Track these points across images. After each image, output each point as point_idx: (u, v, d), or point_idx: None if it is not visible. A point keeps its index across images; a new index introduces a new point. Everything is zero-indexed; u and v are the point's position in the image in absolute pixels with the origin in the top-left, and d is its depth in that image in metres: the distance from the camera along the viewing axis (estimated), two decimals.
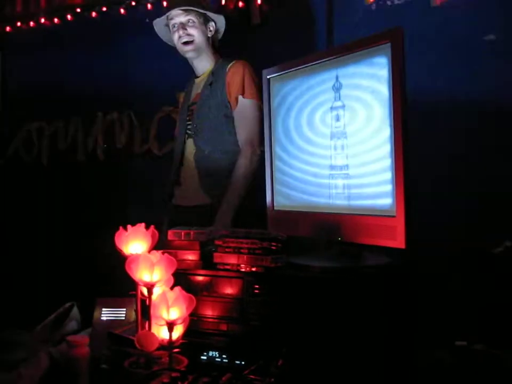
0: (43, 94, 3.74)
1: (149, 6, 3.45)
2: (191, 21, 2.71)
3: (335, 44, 2.94)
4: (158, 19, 2.85)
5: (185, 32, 2.71)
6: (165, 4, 2.78)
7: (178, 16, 2.71)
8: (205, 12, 2.76)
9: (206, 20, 2.77)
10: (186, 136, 2.77)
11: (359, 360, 1.61)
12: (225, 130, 2.67)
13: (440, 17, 2.87)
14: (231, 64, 2.72)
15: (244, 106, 2.62)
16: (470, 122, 2.70)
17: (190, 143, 2.75)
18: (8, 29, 3.82)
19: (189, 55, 2.79)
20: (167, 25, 2.82)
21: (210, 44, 2.83)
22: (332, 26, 3.04)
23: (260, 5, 3.17)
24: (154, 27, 2.88)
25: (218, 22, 2.84)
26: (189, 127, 2.78)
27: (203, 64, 2.81)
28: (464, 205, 2.67)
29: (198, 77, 2.87)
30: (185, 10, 2.69)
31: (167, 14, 2.78)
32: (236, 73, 2.65)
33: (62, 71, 3.69)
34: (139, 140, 3.53)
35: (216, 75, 2.74)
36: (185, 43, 2.73)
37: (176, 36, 2.74)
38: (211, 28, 2.80)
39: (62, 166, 3.69)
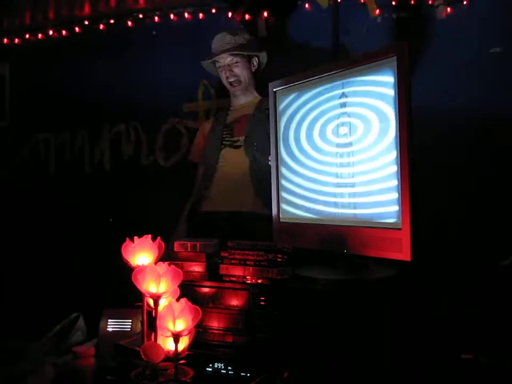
0: (50, 105, 3.77)
1: (156, 18, 3.49)
2: (235, 62, 2.84)
3: (341, 57, 2.95)
4: (205, 61, 2.95)
5: (232, 73, 2.86)
6: (213, 42, 2.83)
7: (224, 58, 2.84)
8: (248, 53, 2.86)
9: (249, 57, 2.89)
10: (222, 146, 2.88)
11: (365, 373, 1.61)
12: None
13: (445, 30, 2.89)
14: None
15: None
16: (475, 134, 2.71)
17: (232, 154, 2.85)
18: (16, 40, 3.85)
19: (236, 94, 2.93)
20: (213, 61, 2.92)
21: (254, 77, 2.93)
22: (338, 39, 3.07)
23: (266, 18, 3.21)
24: (202, 64, 2.97)
25: (261, 58, 2.94)
26: (226, 140, 2.87)
27: (246, 97, 2.94)
28: (470, 219, 2.67)
29: (235, 106, 2.98)
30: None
31: (212, 59, 2.89)
32: None
33: (69, 83, 3.72)
34: (145, 152, 3.55)
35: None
36: (233, 84, 2.89)
37: (223, 75, 2.89)
38: (254, 63, 2.91)
39: (69, 176, 3.70)
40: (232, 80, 2.87)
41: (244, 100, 2.94)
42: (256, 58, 2.91)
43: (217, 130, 2.96)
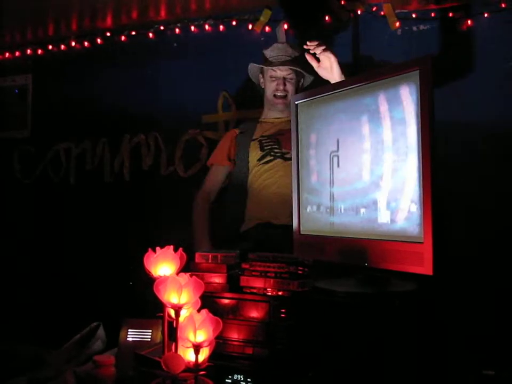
0: (71, 115, 3.82)
1: (177, 30, 3.52)
2: (290, 77, 2.87)
3: (362, 70, 2.95)
4: (254, 64, 2.98)
5: (284, 87, 2.86)
6: (270, 49, 2.85)
7: (281, 70, 2.85)
8: (305, 73, 2.88)
9: (301, 77, 2.93)
10: (271, 158, 2.84)
11: None
12: None
13: (466, 42, 2.88)
14: None
15: None
16: (502, 148, 2.70)
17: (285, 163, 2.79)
18: (39, 51, 3.91)
19: (278, 107, 2.92)
20: (261, 69, 2.96)
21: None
22: (358, 52, 3.07)
23: (286, 30, 3.22)
24: (249, 66, 3.00)
25: (307, 79, 2.94)
26: (276, 150, 2.83)
27: (284, 113, 2.91)
28: (494, 233, 2.64)
29: (268, 119, 2.97)
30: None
31: (271, 67, 2.86)
32: None
33: (90, 94, 3.76)
34: (165, 162, 3.57)
35: None
36: (278, 97, 2.88)
37: (272, 86, 2.89)
38: (300, 84, 2.95)
39: (89, 186, 3.74)
40: (280, 94, 2.87)
41: (282, 114, 2.93)
42: (303, 79, 2.94)
43: (246, 141, 2.93)
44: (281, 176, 2.77)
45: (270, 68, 2.87)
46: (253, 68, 3.01)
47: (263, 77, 2.97)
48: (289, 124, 2.81)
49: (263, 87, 2.98)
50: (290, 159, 2.68)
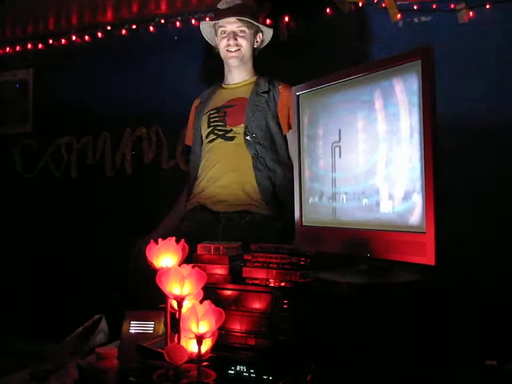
0: (72, 109, 3.81)
1: (178, 24, 3.51)
2: (242, 31, 2.69)
3: (364, 61, 2.94)
4: (205, 22, 2.84)
5: (235, 42, 2.68)
6: (219, 5, 2.72)
7: (231, 24, 2.68)
8: (257, 24, 2.76)
9: (256, 31, 2.77)
10: (215, 136, 2.67)
11: (387, 378, 1.60)
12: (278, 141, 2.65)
13: (467, 34, 2.86)
14: (282, 84, 2.73)
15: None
16: (498, 139, 2.69)
17: (224, 144, 2.65)
18: (40, 46, 3.90)
19: (232, 63, 2.75)
20: (214, 27, 2.79)
21: (253, 54, 2.79)
22: (360, 44, 3.06)
23: (287, 23, 3.21)
24: (200, 26, 2.85)
25: (266, 33, 2.80)
26: (219, 128, 2.67)
27: (242, 74, 2.79)
28: (494, 222, 2.64)
29: (228, 85, 2.82)
30: (238, 19, 2.67)
31: (217, 20, 2.72)
32: (290, 97, 2.40)
33: (91, 87, 3.76)
34: (166, 156, 3.55)
35: (270, 86, 2.72)
36: (230, 51, 2.71)
37: (224, 43, 2.72)
38: (258, 39, 2.79)
39: (91, 180, 3.73)
40: (232, 49, 2.69)
41: (239, 77, 2.78)
42: (261, 35, 2.79)
43: (210, 114, 2.74)
44: (217, 161, 2.62)
45: (219, 24, 2.71)
46: (206, 27, 2.82)
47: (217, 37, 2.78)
48: (246, 90, 2.73)
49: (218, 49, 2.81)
50: (231, 138, 2.61)
